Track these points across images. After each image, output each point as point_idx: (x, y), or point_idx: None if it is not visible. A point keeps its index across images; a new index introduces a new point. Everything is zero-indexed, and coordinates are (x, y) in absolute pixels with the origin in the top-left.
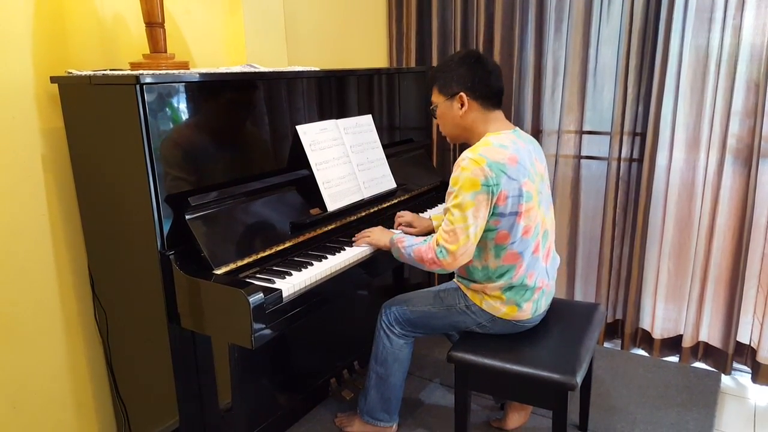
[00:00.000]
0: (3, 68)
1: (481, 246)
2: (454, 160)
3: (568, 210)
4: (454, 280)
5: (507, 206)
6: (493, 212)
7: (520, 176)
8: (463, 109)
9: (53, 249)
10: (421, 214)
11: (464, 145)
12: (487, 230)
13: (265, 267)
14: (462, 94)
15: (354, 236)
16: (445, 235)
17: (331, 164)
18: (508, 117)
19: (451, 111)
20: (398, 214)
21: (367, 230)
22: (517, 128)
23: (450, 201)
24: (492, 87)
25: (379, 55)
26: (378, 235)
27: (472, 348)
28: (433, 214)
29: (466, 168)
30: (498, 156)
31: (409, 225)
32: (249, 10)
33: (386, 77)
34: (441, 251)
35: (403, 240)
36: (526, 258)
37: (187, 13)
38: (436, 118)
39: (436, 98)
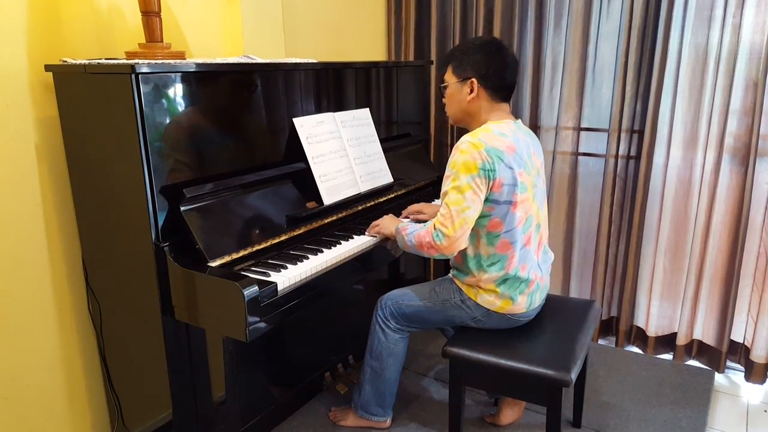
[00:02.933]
0: None
1: (474, 233)
2: None
3: (565, 206)
4: (450, 274)
5: (502, 194)
6: (487, 198)
7: (515, 165)
8: (472, 95)
9: (47, 240)
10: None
11: (462, 132)
12: (481, 216)
13: (260, 260)
14: (474, 80)
15: (351, 229)
16: (442, 219)
17: (327, 157)
18: None
19: (460, 94)
20: (409, 207)
21: (378, 220)
22: (519, 120)
23: (447, 184)
24: (505, 80)
25: (377, 48)
26: (387, 224)
27: (467, 343)
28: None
29: (464, 151)
30: (496, 143)
31: (420, 212)
32: (246, 0)
33: (384, 70)
34: (438, 235)
35: (407, 228)
36: (518, 248)
37: (184, 3)
38: (444, 96)
39: (449, 78)
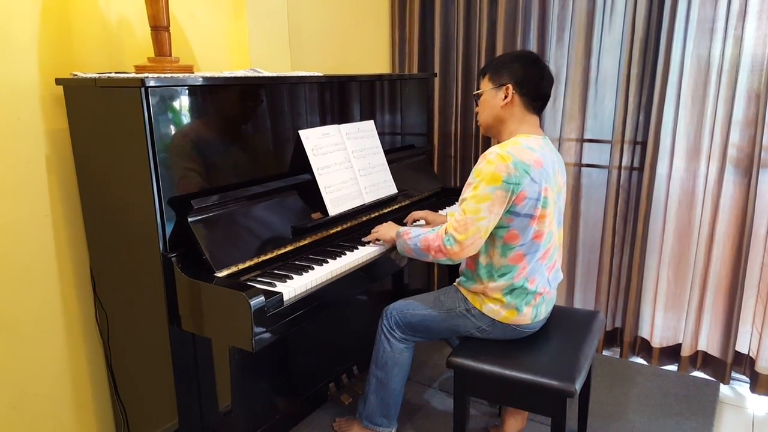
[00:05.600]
0: (9, 70)
1: (489, 242)
2: (455, 167)
3: (569, 218)
4: (455, 283)
5: (524, 207)
6: (508, 210)
7: (542, 180)
8: (506, 100)
9: (55, 250)
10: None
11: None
12: (498, 227)
13: (266, 270)
14: (509, 85)
15: (356, 240)
16: (456, 224)
17: (332, 169)
18: None
19: (494, 99)
20: (411, 213)
21: (376, 228)
22: (546, 137)
23: (468, 191)
24: (540, 90)
25: (381, 61)
26: (385, 230)
27: (471, 353)
28: (449, 210)
29: (491, 162)
30: (525, 156)
31: (424, 219)
32: (253, 15)
33: (388, 83)
34: (449, 239)
35: (409, 232)
36: (531, 262)
37: (192, 18)
38: (477, 105)
39: (485, 85)
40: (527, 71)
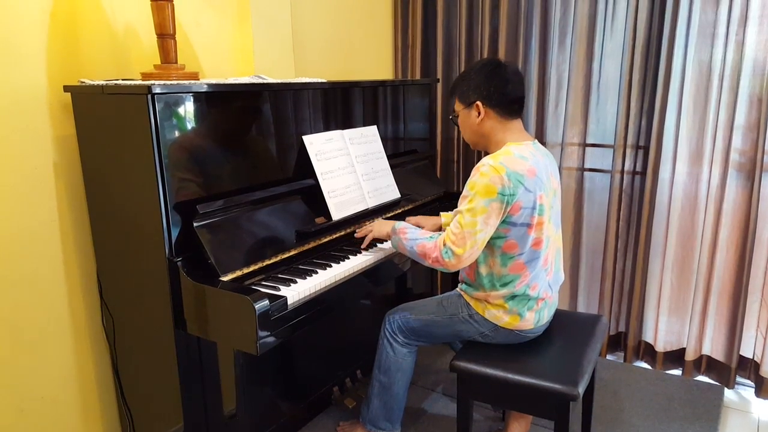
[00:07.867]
0: (18, 77)
1: (488, 252)
2: (458, 171)
3: (571, 222)
4: (458, 288)
5: (520, 216)
6: (504, 220)
7: (536, 189)
8: (480, 117)
9: (63, 255)
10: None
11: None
12: (496, 237)
13: (270, 274)
14: (478, 102)
15: (359, 244)
16: (453, 237)
17: (336, 174)
18: None
19: (469, 119)
20: (406, 219)
21: (368, 225)
22: (536, 140)
23: (464, 204)
24: (508, 95)
25: (384, 67)
26: (379, 226)
27: (474, 357)
28: (444, 213)
29: (485, 174)
30: (518, 166)
31: (417, 225)
32: (258, 22)
33: (391, 89)
34: (447, 252)
35: (407, 231)
36: (531, 270)
37: (198, 26)
38: (457, 125)
39: (457, 107)
40: (490, 82)
